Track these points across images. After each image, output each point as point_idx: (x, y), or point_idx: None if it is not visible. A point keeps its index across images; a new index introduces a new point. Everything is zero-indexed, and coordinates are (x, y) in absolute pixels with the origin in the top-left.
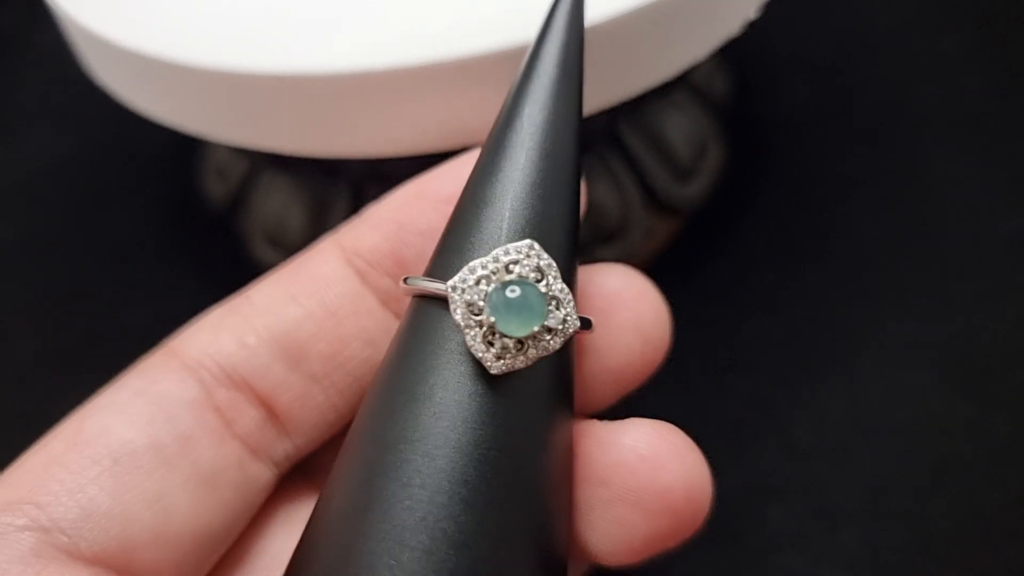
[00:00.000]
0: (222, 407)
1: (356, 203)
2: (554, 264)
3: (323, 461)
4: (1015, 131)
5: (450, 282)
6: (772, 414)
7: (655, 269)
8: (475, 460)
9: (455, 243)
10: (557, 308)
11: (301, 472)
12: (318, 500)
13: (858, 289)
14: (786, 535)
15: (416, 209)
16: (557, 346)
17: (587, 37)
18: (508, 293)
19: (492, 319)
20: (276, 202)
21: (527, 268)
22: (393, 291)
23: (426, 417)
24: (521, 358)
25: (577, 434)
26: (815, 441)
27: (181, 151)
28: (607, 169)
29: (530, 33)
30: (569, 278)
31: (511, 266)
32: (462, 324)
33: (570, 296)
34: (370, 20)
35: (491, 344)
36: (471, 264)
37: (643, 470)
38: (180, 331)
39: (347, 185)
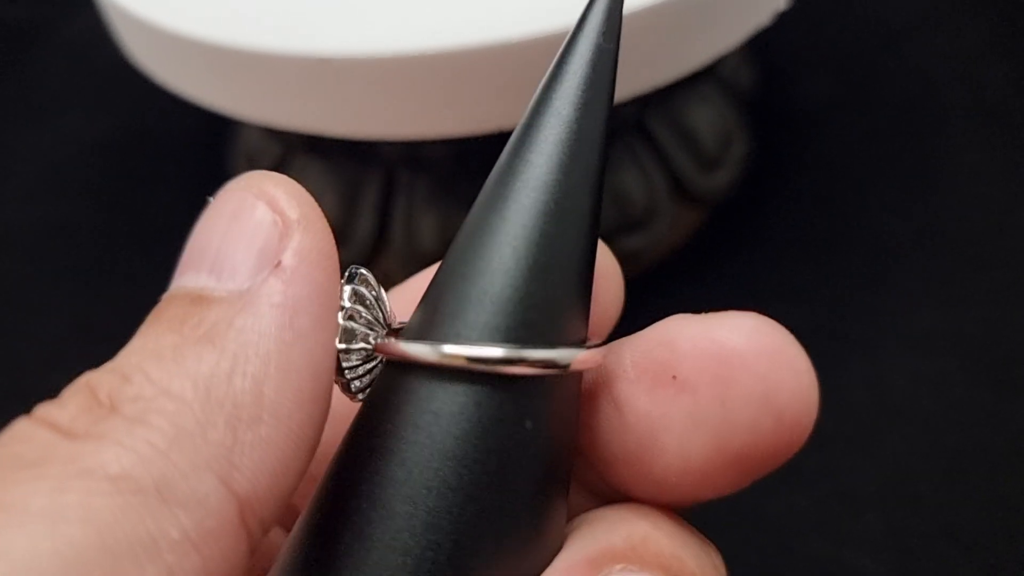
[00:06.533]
0: None
1: (388, 189)
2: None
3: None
4: None
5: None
6: None
7: (680, 259)
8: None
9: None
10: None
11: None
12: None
13: (881, 279)
14: (810, 519)
15: None
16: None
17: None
18: None
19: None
20: (308, 188)
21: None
22: None
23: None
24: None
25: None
26: (839, 426)
27: (210, 138)
28: (634, 158)
29: (568, 20)
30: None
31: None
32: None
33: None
34: (409, 3)
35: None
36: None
37: None
38: None
39: (380, 170)
